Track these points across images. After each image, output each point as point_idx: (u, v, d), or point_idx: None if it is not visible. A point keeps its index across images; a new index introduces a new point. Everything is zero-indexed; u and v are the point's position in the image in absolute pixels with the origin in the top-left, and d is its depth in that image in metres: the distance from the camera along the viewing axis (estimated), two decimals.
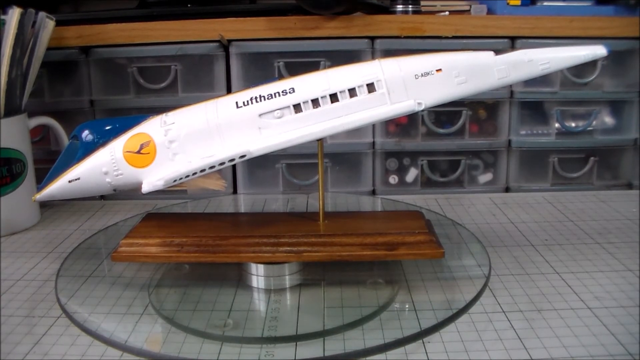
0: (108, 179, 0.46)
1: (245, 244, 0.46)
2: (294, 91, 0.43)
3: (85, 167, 0.46)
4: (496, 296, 0.45)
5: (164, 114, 0.47)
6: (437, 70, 0.43)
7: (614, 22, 0.72)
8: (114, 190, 0.48)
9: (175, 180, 0.44)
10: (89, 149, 0.46)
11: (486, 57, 0.44)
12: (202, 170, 0.44)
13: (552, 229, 0.60)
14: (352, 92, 0.43)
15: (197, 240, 0.46)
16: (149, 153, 0.45)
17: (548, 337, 0.39)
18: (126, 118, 0.47)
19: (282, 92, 0.43)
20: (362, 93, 0.43)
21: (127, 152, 0.45)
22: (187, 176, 0.44)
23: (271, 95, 0.44)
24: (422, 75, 0.43)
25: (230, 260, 0.46)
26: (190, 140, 0.45)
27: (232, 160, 0.43)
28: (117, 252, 0.46)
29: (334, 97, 0.43)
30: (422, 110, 0.43)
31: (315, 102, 0.43)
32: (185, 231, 0.48)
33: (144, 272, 0.50)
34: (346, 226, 0.47)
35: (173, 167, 0.45)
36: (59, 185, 0.47)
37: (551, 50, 0.46)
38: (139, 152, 0.45)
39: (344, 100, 0.43)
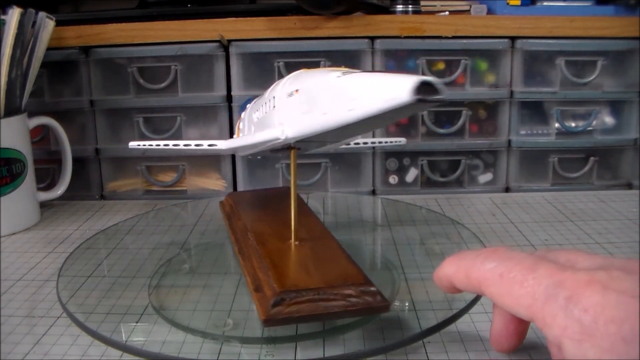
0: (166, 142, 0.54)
1: (239, 229, 0.50)
2: (264, 95, 0.46)
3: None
4: None
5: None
6: (295, 91, 0.36)
7: (614, 22, 0.72)
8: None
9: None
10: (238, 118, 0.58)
11: (329, 78, 0.33)
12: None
13: (552, 229, 0.60)
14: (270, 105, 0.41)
15: (235, 213, 0.53)
16: (239, 128, 0.56)
17: None
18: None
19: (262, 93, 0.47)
20: (269, 109, 0.41)
21: (237, 126, 0.56)
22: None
23: (258, 96, 0.46)
24: (288, 95, 0.37)
25: (230, 237, 0.52)
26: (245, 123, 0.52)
27: (199, 145, 0.49)
28: (221, 202, 0.58)
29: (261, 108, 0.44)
30: (285, 142, 0.38)
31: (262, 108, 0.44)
32: (245, 203, 0.56)
33: (144, 272, 0.50)
34: (291, 254, 0.45)
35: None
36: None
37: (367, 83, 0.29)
38: (238, 127, 0.56)
39: (263, 114, 0.43)
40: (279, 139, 0.38)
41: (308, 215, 0.53)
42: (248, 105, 0.53)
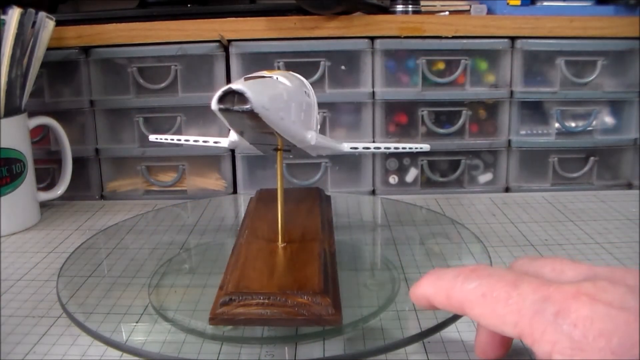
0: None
1: (242, 227, 0.51)
2: None
3: None
4: None
5: None
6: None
7: (614, 22, 0.72)
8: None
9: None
10: None
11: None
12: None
13: (552, 229, 0.60)
14: None
15: (249, 212, 0.54)
16: None
17: None
18: None
19: None
20: None
21: None
22: None
23: None
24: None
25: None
26: None
27: (206, 142, 0.51)
28: (251, 198, 0.59)
29: None
30: (283, 149, 0.40)
31: None
32: (261, 203, 0.56)
33: (144, 272, 0.50)
34: (270, 255, 0.45)
35: None
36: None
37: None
38: None
39: None
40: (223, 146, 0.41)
41: (313, 217, 0.52)
42: None
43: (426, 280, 0.30)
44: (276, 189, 0.48)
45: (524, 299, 0.24)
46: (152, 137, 0.56)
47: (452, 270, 0.29)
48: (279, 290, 0.38)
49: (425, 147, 0.59)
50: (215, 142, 0.51)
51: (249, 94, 0.23)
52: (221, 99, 0.24)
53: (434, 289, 0.29)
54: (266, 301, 0.37)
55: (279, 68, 0.72)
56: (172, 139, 0.54)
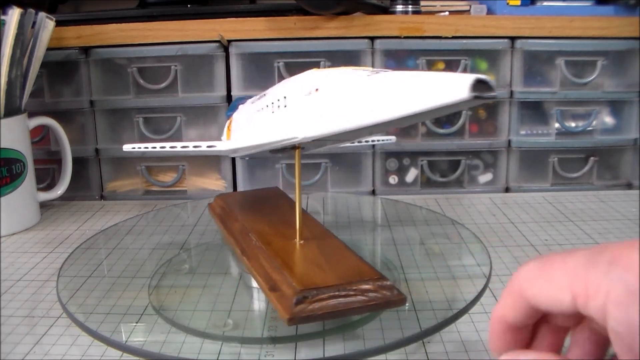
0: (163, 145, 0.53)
1: (236, 230, 0.50)
2: (265, 95, 0.45)
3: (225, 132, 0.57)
4: (496, 296, 0.45)
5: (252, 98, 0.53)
6: (315, 90, 0.36)
7: (614, 22, 0.72)
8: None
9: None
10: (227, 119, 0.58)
11: (356, 77, 0.33)
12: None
13: (552, 229, 0.60)
14: (278, 105, 0.41)
15: (230, 214, 0.53)
16: (230, 130, 0.55)
17: None
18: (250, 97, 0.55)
19: (263, 94, 0.45)
20: (280, 108, 0.40)
21: (227, 126, 0.55)
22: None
23: (258, 96, 0.46)
24: (306, 95, 0.37)
25: (226, 238, 0.52)
26: (236, 125, 0.52)
27: (198, 147, 0.48)
28: (210, 204, 0.58)
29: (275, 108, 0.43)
30: (302, 146, 0.38)
31: (266, 109, 0.44)
32: (238, 205, 0.55)
33: (144, 272, 0.50)
34: (293, 253, 0.45)
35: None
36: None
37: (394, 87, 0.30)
38: (229, 127, 0.55)
39: (270, 114, 0.42)
40: (296, 137, 0.37)
41: (306, 216, 0.53)
42: (240, 106, 0.53)
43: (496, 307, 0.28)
44: (235, 193, 0.50)
45: (579, 260, 0.24)
46: (127, 147, 0.51)
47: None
48: (344, 281, 0.38)
49: (392, 138, 0.60)
50: (210, 147, 0.48)
51: (492, 83, 0.25)
52: (474, 87, 0.25)
53: (500, 301, 0.27)
54: (336, 293, 0.38)
55: (278, 68, 0.72)
56: (155, 147, 0.50)
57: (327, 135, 0.36)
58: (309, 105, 0.37)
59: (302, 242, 0.46)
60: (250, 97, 0.52)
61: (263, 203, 0.57)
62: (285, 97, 0.40)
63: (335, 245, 0.46)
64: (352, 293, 0.38)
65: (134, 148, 0.50)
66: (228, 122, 0.56)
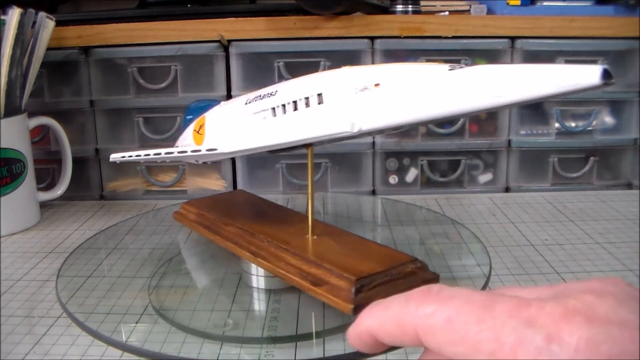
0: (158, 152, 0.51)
1: (234, 234, 0.48)
2: (275, 94, 0.44)
3: (180, 140, 0.55)
4: None
5: (224, 102, 0.52)
6: (375, 85, 0.37)
7: (614, 22, 0.72)
8: (196, 161, 0.54)
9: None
10: (185, 124, 0.55)
11: (435, 72, 0.34)
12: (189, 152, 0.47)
13: (552, 229, 0.60)
14: (305, 102, 0.41)
15: (214, 220, 0.51)
16: (202, 134, 0.51)
17: None
18: (214, 101, 0.54)
19: (268, 94, 0.44)
20: (312, 104, 0.40)
21: (194, 130, 0.52)
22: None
23: (260, 95, 0.45)
24: (360, 90, 0.37)
25: (220, 243, 0.49)
26: (218, 128, 0.50)
27: (197, 151, 0.46)
28: (177, 212, 0.56)
29: (289, 106, 0.42)
30: (357, 135, 0.38)
31: (283, 108, 0.43)
32: (218, 209, 0.53)
33: (144, 272, 0.50)
34: (319, 248, 0.45)
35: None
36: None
37: (521, 71, 0.31)
38: (198, 132, 0.52)
39: (293, 112, 0.42)
40: (347, 132, 0.38)
41: (293, 214, 0.53)
42: (217, 108, 0.51)
43: (368, 314, 0.25)
44: (203, 199, 0.53)
45: (501, 324, 0.21)
46: (114, 157, 0.49)
47: (398, 297, 0.24)
48: (387, 267, 0.40)
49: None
50: (194, 151, 0.46)
51: (612, 71, 0.28)
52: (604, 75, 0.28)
53: (379, 319, 0.24)
54: (386, 279, 0.39)
55: (278, 68, 0.72)
56: (148, 154, 0.48)
57: (388, 127, 0.37)
58: (366, 99, 0.37)
59: (314, 237, 0.46)
60: (215, 101, 0.52)
61: (243, 205, 0.57)
62: (319, 95, 0.40)
63: (350, 238, 0.47)
64: (397, 277, 0.40)
65: (124, 157, 0.49)
66: (196, 125, 0.53)
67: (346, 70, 0.39)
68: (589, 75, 0.28)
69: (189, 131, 0.54)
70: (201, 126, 0.52)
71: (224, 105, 0.51)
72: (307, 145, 0.45)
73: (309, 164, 0.46)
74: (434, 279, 0.41)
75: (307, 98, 0.41)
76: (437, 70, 0.34)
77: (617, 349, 0.19)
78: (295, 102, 0.41)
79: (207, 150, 0.45)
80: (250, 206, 0.57)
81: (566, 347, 0.19)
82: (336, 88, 0.39)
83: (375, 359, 0.37)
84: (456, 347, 0.22)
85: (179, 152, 0.48)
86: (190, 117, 0.54)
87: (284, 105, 0.43)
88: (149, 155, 0.48)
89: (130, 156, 0.49)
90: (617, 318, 0.20)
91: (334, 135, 0.39)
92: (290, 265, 0.43)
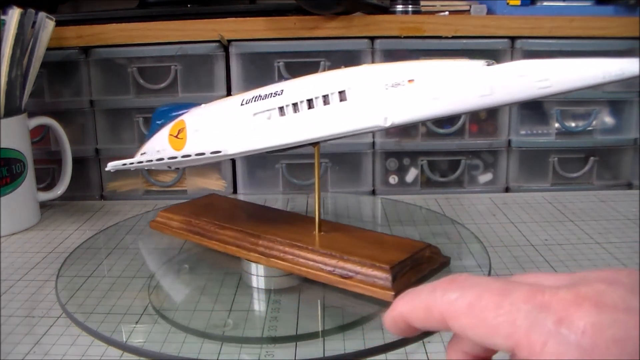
0: (161, 156, 0.50)
1: (234, 237, 0.48)
2: (282, 93, 0.43)
3: (149, 145, 0.52)
4: None
5: (204, 104, 0.51)
6: (409, 81, 0.38)
7: (614, 22, 0.72)
8: (169, 167, 0.53)
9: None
10: (154, 129, 0.53)
11: (471, 68, 0.36)
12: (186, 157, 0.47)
13: (552, 229, 0.60)
14: (323, 99, 0.41)
15: (206, 225, 0.51)
16: (182, 139, 0.50)
17: None
18: (186, 104, 0.52)
19: (272, 93, 0.44)
20: (332, 102, 0.41)
21: (170, 135, 0.51)
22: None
23: (261, 95, 0.44)
24: (392, 86, 0.38)
25: (218, 248, 0.49)
26: (207, 130, 0.48)
27: (202, 154, 0.45)
28: (155, 221, 0.54)
29: (310, 103, 0.42)
30: (390, 128, 0.39)
31: (295, 107, 0.42)
32: (206, 214, 0.52)
33: (144, 272, 0.50)
34: (334, 243, 0.45)
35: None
36: (135, 159, 0.52)
37: (561, 64, 0.33)
38: (176, 136, 0.50)
39: (307, 110, 0.42)
40: (379, 126, 0.38)
41: (288, 213, 0.54)
42: (197, 111, 0.50)
43: (400, 301, 0.28)
44: (181, 205, 0.54)
45: (517, 309, 0.23)
46: (110, 166, 0.50)
47: (427, 286, 0.27)
48: (410, 254, 0.42)
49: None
50: (214, 153, 0.45)
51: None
52: None
53: (410, 305, 0.27)
54: (413, 263, 0.42)
55: (278, 68, 0.72)
56: (151, 160, 0.48)
57: (420, 120, 0.38)
58: (399, 95, 0.38)
59: (322, 233, 0.47)
60: (186, 104, 0.51)
61: (232, 208, 0.56)
62: (341, 92, 0.40)
63: (357, 232, 0.48)
64: (420, 262, 0.43)
65: (124, 165, 0.50)
66: (172, 130, 0.51)
67: (368, 68, 0.40)
68: (631, 65, 0.31)
69: (161, 136, 0.51)
70: (180, 130, 0.50)
71: (206, 107, 0.50)
72: (314, 143, 0.45)
73: (316, 162, 0.47)
74: (446, 261, 0.45)
75: (325, 96, 0.41)
76: (474, 65, 0.36)
77: (621, 334, 0.20)
78: (310, 100, 0.41)
79: (212, 152, 0.45)
80: (239, 209, 0.57)
81: (574, 330, 0.21)
82: (362, 85, 0.40)
83: (375, 359, 0.37)
84: (477, 330, 0.24)
85: (182, 157, 0.47)
86: (161, 121, 0.52)
87: (294, 104, 0.42)
88: (151, 161, 0.49)
89: (132, 163, 0.50)
90: (624, 306, 0.21)
91: (363, 130, 0.40)
92: (311, 262, 0.43)
